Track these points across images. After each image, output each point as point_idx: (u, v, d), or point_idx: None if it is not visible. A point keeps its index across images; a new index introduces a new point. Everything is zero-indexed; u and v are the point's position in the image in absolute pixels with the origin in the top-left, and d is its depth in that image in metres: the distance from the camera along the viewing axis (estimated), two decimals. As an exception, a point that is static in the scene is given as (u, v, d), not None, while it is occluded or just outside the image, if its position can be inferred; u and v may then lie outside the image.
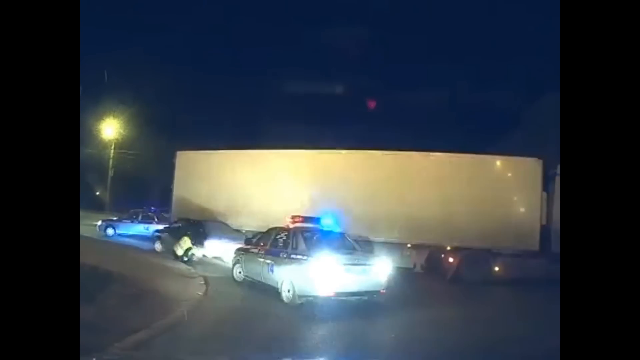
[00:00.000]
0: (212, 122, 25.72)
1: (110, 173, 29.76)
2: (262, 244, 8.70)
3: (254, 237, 9.69)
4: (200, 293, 7.47)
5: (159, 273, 9.07)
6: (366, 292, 7.44)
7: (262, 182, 13.39)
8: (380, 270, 7.61)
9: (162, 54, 31.10)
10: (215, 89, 33.93)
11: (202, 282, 8.54)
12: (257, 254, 8.56)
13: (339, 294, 7.04)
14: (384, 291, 7.60)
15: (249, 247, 9.09)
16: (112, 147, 29.84)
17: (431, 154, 12.82)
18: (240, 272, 9.13)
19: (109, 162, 29.63)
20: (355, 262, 7.42)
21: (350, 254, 7.78)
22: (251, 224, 12.81)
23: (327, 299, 7.00)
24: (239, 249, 9.59)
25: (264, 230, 9.32)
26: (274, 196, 12.88)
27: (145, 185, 24.17)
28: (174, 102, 28.63)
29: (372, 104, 22.58)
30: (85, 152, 27.97)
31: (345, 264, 7.23)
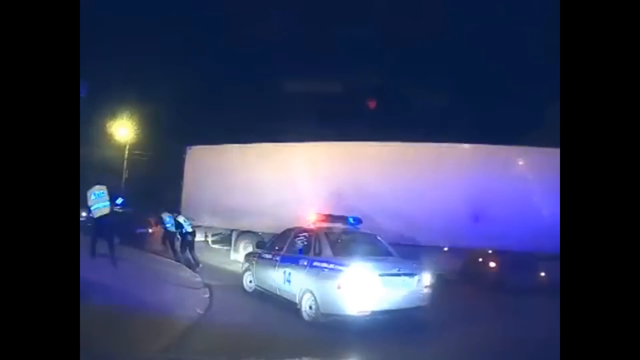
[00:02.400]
0: (225, 119, 24.52)
1: (125, 175, 29.05)
2: (277, 247, 7.19)
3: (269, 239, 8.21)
4: (199, 310, 5.98)
5: (154, 282, 7.68)
6: (407, 309, 5.87)
7: (279, 178, 11.98)
8: (424, 281, 6.04)
9: (171, 53, 30.41)
10: (226, 85, 32.81)
11: (206, 295, 7.09)
12: (272, 260, 7.05)
13: (375, 313, 5.49)
14: (428, 306, 6.04)
15: (261, 251, 7.61)
16: (126, 148, 29.17)
17: (462, 145, 11.23)
18: (251, 281, 7.67)
19: (123, 163, 28.95)
20: (395, 270, 5.86)
21: (387, 260, 6.22)
22: (267, 224, 11.37)
23: (360, 318, 5.46)
24: (249, 254, 8.14)
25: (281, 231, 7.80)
26: (291, 193, 11.42)
27: (160, 186, 23.22)
28: (186, 101, 27.81)
29: (371, 103, 21.00)
30: (99, 154, 27.65)
31: (382, 274, 5.67)
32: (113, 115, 27.04)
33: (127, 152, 29.20)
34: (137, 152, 29.36)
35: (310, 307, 5.86)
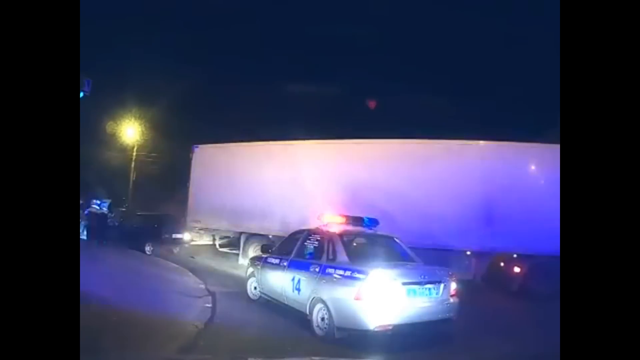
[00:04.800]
0: (233, 119, 24.08)
1: (132, 177, 28.78)
2: (285, 251, 6.49)
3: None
4: (198, 325, 5.26)
5: (152, 289, 7.06)
6: (435, 322, 5.14)
7: (289, 178, 11.31)
8: (451, 289, 5.32)
9: (177, 53, 30.24)
10: (233, 83, 32.52)
11: (208, 304, 6.43)
12: (279, 265, 6.35)
13: (398, 327, 4.76)
14: (455, 317, 5.31)
15: (267, 255, 6.90)
16: (134, 150, 28.94)
17: (482, 143, 10.32)
18: (255, 288, 6.98)
19: (130, 165, 28.71)
20: (420, 278, 5.12)
21: (409, 267, 5.49)
22: (277, 226, 10.71)
23: (380, 333, 4.74)
24: (254, 258, 7.47)
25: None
26: (302, 193, 10.74)
27: (168, 187, 22.91)
28: (192, 101, 27.61)
29: (371, 104, 20.32)
30: (107, 156, 27.49)
31: (406, 282, 4.94)
32: (121, 116, 26.94)
33: (134, 153, 28.99)
34: (144, 153, 29.08)
35: (323, 319, 5.16)
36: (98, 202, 15.22)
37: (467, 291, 8.02)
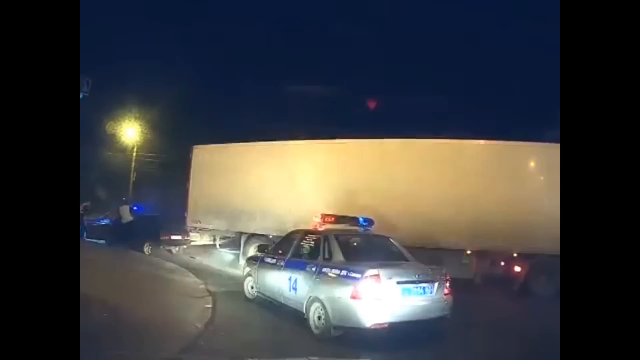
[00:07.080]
0: (232, 119, 24.13)
1: (132, 177, 28.79)
2: (281, 251, 6.58)
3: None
4: (199, 325, 5.34)
5: (153, 291, 7.14)
6: (429, 320, 5.23)
7: (287, 178, 11.38)
8: (445, 288, 5.40)
9: (177, 53, 30.27)
10: (232, 85, 32.61)
11: (209, 305, 6.49)
12: (275, 265, 6.44)
13: (393, 325, 4.85)
14: (449, 316, 5.39)
15: (264, 255, 6.99)
16: (134, 150, 28.93)
17: (480, 142, 10.33)
18: (252, 287, 7.07)
19: (130, 165, 28.72)
20: (414, 277, 5.20)
21: (404, 266, 5.57)
22: (275, 226, 10.77)
23: (376, 331, 4.83)
24: (251, 258, 7.55)
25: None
26: (301, 193, 10.82)
27: (168, 188, 22.96)
28: (192, 102, 27.62)
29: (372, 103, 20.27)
30: (107, 156, 27.49)
31: (401, 281, 5.03)
32: (121, 116, 26.95)
33: (134, 153, 28.98)
34: (144, 153, 29.09)
35: (319, 318, 5.25)
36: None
37: (467, 290, 8.13)
